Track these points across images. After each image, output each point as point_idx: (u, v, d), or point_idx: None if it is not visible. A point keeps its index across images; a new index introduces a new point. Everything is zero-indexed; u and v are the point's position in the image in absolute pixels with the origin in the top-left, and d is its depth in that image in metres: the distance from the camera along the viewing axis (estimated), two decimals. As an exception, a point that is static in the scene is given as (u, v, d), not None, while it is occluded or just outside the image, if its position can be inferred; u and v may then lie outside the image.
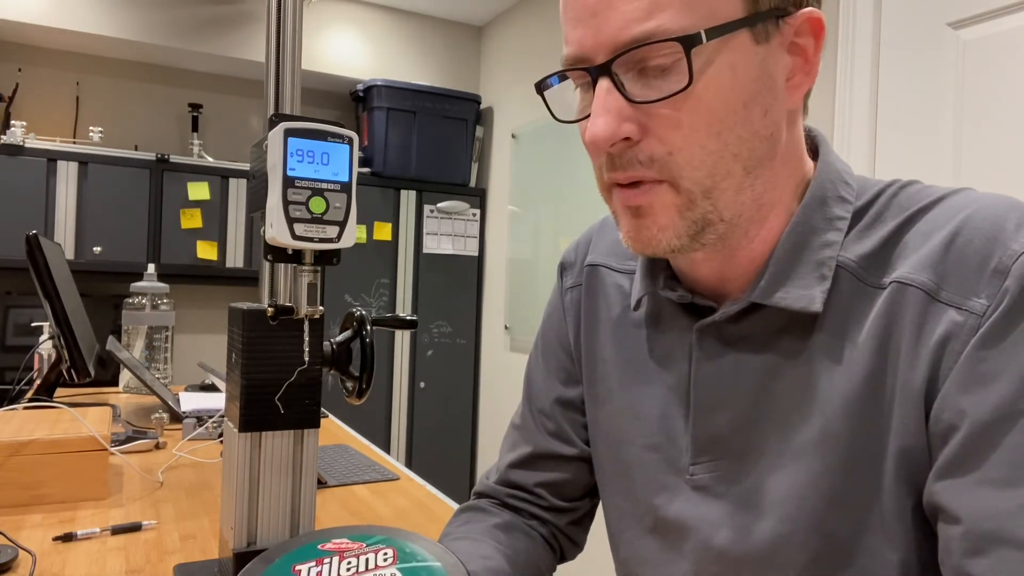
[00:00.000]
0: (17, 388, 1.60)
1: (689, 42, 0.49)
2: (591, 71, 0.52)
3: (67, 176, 2.78)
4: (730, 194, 0.54)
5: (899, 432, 0.51)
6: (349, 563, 0.51)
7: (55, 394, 1.56)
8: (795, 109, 0.57)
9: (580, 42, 0.52)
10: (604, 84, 0.51)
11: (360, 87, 3.27)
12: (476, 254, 3.47)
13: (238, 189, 3.06)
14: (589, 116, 0.53)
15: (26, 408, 1.27)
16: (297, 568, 0.50)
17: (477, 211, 3.46)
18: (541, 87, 0.59)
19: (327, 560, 0.51)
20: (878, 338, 0.52)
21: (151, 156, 2.92)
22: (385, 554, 0.52)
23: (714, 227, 0.54)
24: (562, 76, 0.57)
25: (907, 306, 0.51)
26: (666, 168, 0.52)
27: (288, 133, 0.61)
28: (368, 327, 0.73)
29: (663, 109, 0.51)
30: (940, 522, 0.49)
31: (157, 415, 1.39)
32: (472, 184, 3.51)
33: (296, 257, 0.64)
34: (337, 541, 0.54)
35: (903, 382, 0.51)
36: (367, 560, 0.51)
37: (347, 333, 0.74)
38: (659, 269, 0.64)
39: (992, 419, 0.47)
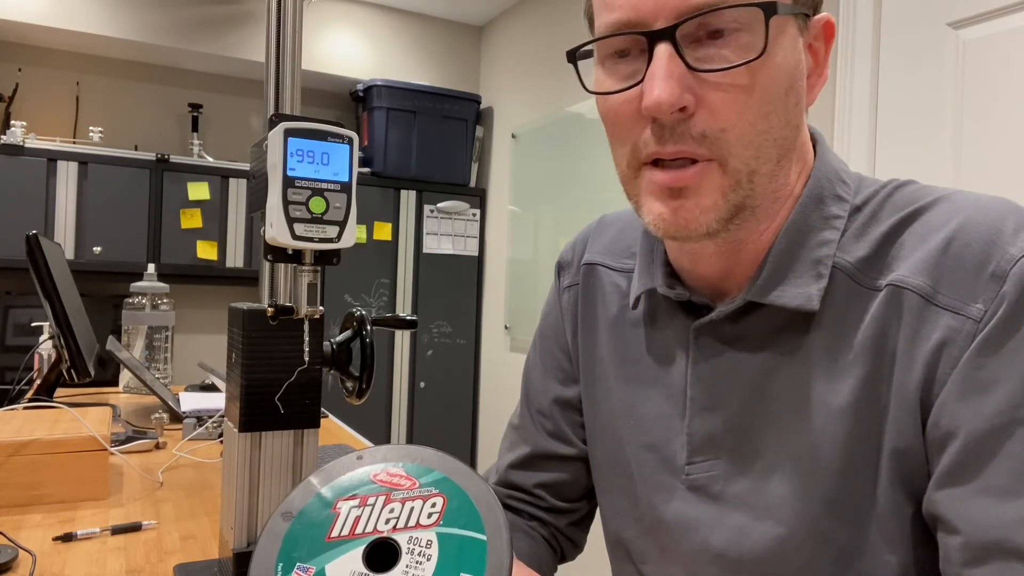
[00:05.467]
0: (17, 388, 1.60)
1: (770, 9, 0.49)
2: (649, 36, 0.50)
3: (67, 176, 2.78)
4: (765, 180, 0.53)
5: (894, 435, 0.51)
6: (392, 509, 0.49)
7: (55, 394, 1.56)
8: (808, 107, 0.57)
9: (636, 6, 0.50)
10: (666, 50, 0.50)
11: (360, 87, 3.27)
12: (476, 254, 3.47)
13: (238, 189, 3.06)
14: (630, 87, 0.52)
15: (26, 408, 1.26)
16: (339, 505, 0.49)
17: (477, 211, 3.46)
18: (576, 55, 0.57)
19: (371, 500, 0.49)
20: (873, 340, 0.52)
21: (151, 156, 2.92)
22: (433, 504, 0.49)
23: (744, 213, 0.54)
24: (588, 47, 0.55)
25: (903, 309, 0.51)
26: (717, 146, 0.51)
27: (288, 133, 0.61)
28: (368, 327, 0.73)
29: (723, 81, 0.50)
30: (940, 531, 0.49)
31: (157, 415, 1.38)
32: (472, 184, 3.51)
33: (296, 257, 0.64)
34: (393, 470, 0.51)
35: (898, 385, 0.51)
36: (411, 510, 0.49)
37: (347, 333, 0.74)
38: (657, 267, 0.63)
39: (991, 427, 0.46)
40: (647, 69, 0.50)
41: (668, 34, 0.49)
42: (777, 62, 0.51)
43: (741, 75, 0.50)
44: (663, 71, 0.49)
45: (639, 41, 0.52)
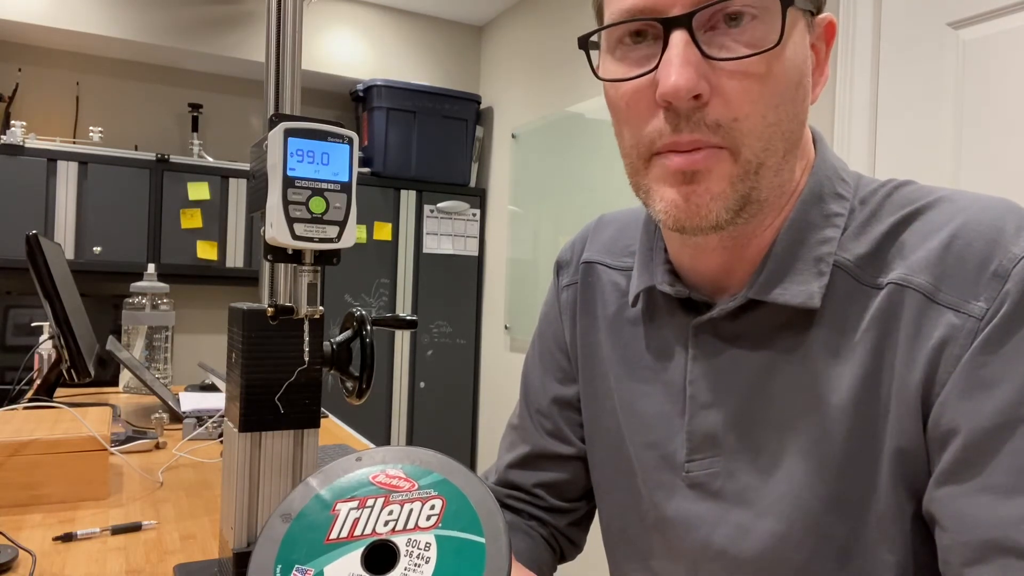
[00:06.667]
0: (17, 388, 1.60)
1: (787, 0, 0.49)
2: (665, 23, 0.50)
3: (67, 176, 2.78)
4: (771, 173, 0.53)
5: (895, 433, 0.51)
6: (391, 511, 0.48)
7: (55, 394, 1.56)
8: (810, 105, 0.57)
9: None
10: (682, 37, 0.49)
11: (360, 87, 3.27)
12: (476, 254, 3.47)
13: (238, 189, 3.06)
14: (643, 74, 0.52)
15: (26, 408, 1.26)
16: (338, 507, 0.49)
17: (477, 211, 3.46)
18: (587, 42, 0.56)
19: (370, 503, 0.49)
20: (875, 338, 0.52)
21: (151, 156, 2.92)
22: (432, 507, 0.49)
23: (751, 206, 0.54)
24: (593, 36, 0.55)
25: (904, 307, 0.51)
26: (730, 135, 0.51)
27: (288, 133, 0.61)
28: (368, 327, 0.73)
29: (738, 69, 0.50)
30: (939, 529, 0.49)
31: (157, 415, 1.38)
32: (472, 184, 3.51)
33: (296, 257, 0.64)
34: (392, 472, 0.51)
35: (899, 383, 0.51)
36: (410, 512, 0.49)
37: (347, 333, 0.74)
38: (657, 264, 0.64)
39: (993, 425, 0.46)
40: (661, 56, 0.50)
41: (684, 21, 0.49)
42: (789, 54, 0.52)
43: (756, 64, 0.50)
44: (680, 58, 0.49)
45: (653, 28, 0.51)
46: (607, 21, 0.54)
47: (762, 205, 0.54)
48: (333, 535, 0.48)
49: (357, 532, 0.48)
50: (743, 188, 0.52)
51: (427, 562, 0.46)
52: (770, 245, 0.57)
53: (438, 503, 0.49)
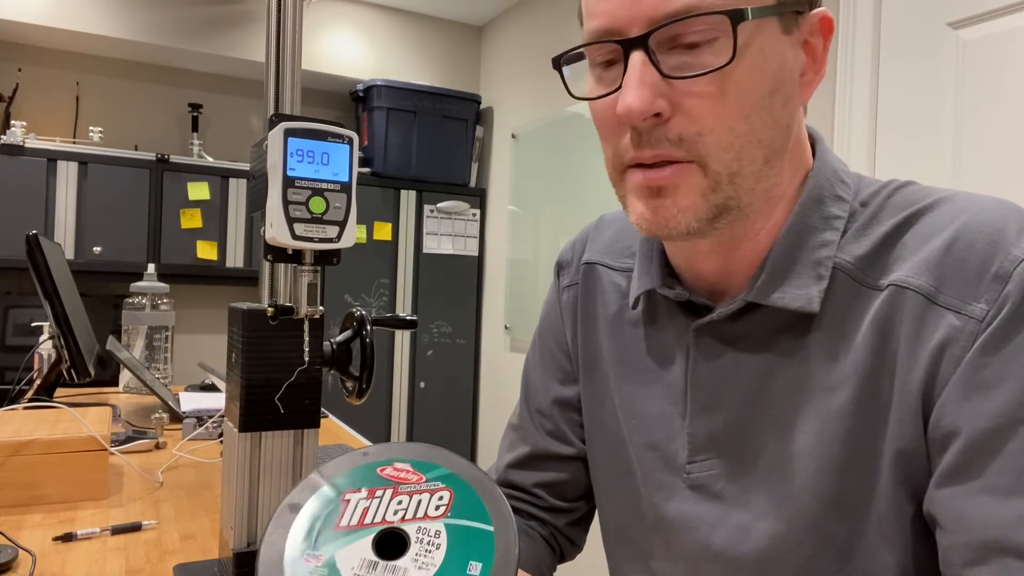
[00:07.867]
0: (17, 388, 1.60)
1: (737, 16, 0.49)
2: (624, 44, 0.51)
3: (67, 176, 2.78)
4: (750, 181, 0.53)
5: (896, 435, 0.51)
6: (400, 502, 0.49)
7: (55, 394, 1.56)
8: (804, 105, 0.57)
9: (612, 14, 0.51)
10: (639, 57, 0.50)
11: (360, 87, 3.27)
12: (476, 254, 3.47)
13: (238, 189, 3.06)
14: (610, 93, 0.53)
15: (26, 408, 1.26)
16: (347, 496, 0.50)
17: (477, 211, 3.46)
18: (560, 62, 0.58)
19: (379, 493, 0.50)
20: (875, 340, 0.52)
21: (151, 156, 2.92)
22: (440, 497, 0.49)
23: (730, 213, 0.54)
24: (580, 51, 0.56)
25: (905, 309, 0.51)
26: (695, 148, 0.51)
27: (288, 133, 0.61)
28: (368, 327, 0.73)
29: (696, 87, 0.50)
30: (940, 530, 0.49)
31: (157, 415, 1.38)
32: (472, 184, 3.51)
33: (296, 257, 0.64)
34: (400, 465, 0.52)
35: (900, 385, 0.51)
36: (419, 502, 0.49)
37: (347, 333, 0.74)
38: (657, 267, 0.64)
39: (993, 426, 0.46)
40: (623, 76, 0.51)
41: (641, 42, 0.50)
42: (753, 66, 0.51)
43: (713, 81, 0.50)
44: (635, 79, 0.50)
45: (618, 49, 0.52)
46: (581, 40, 0.56)
47: (744, 211, 0.54)
48: (343, 523, 0.48)
49: (367, 520, 0.48)
50: (717, 199, 0.53)
51: (438, 548, 0.46)
52: (769, 248, 0.57)
53: (446, 494, 0.50)
